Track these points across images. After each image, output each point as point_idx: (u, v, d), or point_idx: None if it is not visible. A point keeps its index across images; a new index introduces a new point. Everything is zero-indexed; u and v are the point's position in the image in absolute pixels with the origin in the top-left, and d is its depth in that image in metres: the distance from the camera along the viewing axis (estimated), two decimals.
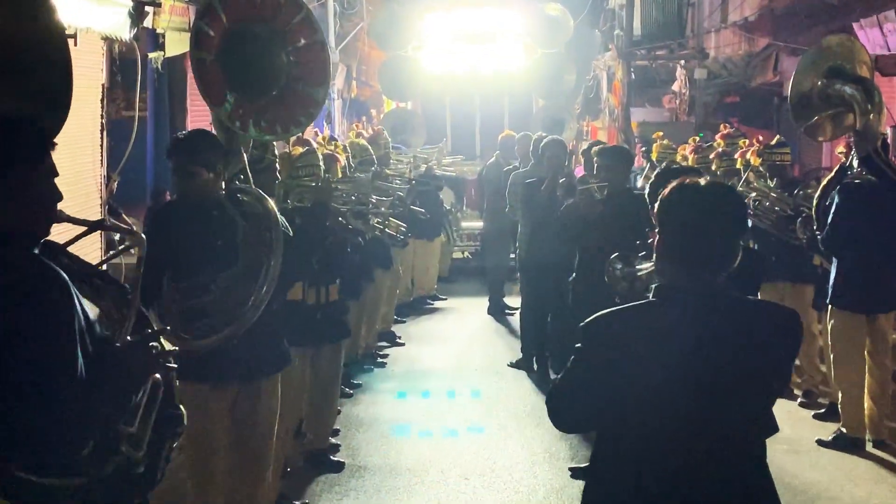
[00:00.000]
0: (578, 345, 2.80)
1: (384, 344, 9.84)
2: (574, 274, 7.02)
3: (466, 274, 13.73)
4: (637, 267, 4.59)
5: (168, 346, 2.94)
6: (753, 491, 2.77)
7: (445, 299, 12.52)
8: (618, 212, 6.51)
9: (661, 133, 11.19)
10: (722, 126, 10.38)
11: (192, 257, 4.54)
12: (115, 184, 11.16)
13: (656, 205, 2.86)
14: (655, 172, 6.31)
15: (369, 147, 9.16)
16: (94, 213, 10.15)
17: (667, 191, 2.82)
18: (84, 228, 3.12)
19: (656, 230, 2.84)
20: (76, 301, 2.67)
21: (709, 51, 19.65)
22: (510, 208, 9.38)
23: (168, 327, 4.31)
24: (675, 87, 21.09)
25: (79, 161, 9.96)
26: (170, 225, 4.68)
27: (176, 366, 2.93)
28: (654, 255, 2.87)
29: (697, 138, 10.37)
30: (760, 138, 9.05)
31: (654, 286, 2.83)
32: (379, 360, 9.31)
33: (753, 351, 2.72)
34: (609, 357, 2.72)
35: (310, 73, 4.78)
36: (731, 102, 20.56)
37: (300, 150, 6.27)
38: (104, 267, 3.34)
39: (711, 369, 2.68)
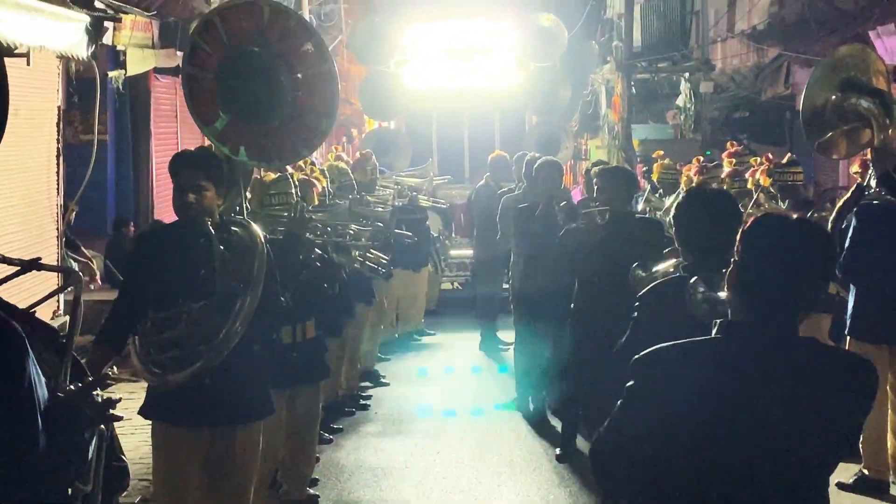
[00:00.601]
0: (630, 382, 2.75)
1: (367, 384, 9.80)
2: (573, 305, 7.02)
3: (456, 306, 13.68)
4: (657, 268, 4.69)
5: (105, 394, 2.90)
6: None
7: (434, 334, 12.49)
8: (621, 237, 6.52)
9: (661, 152, 11.25)
10: (728, 144, 10.45)
11: (172, 287, 4.62)
12: (73, 213, 11.15)
13: (739, 235, 2.81)
14: (686, 192, 6.33)
15: (349, 171, 9.17)
16: (51, 245, 10.13)
17: (751, 221, 2.81)
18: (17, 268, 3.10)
19: (732, 260, 2.82)
20: (31, 358, 2.63)
21: (715, 62, 19.76)
22: (501, 235, 9.38)
23: (142, 363, 4.56)
24: (680, 101, 21.19)
25: (33, 189, 9.96)
26: (155, 251, 4.77)
27: (121, 416, 2.90)
28: (726, 287, 2.83)
29: (702, 157, 10.41)
30: (770, 156, 9.09)
31: (718, 321, 2.79)
32: (361, 402, 9.27)
33: (820, 404, 2.68)
34: (665, 396, 2.68)
35: (316, 102, 4.98)
36: (739, 118, 20.66)
37: (272, 175, 6.27)
38: (38, 309, 3.32)
39: (772, 419, 2.65)
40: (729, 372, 2.68)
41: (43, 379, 2.63)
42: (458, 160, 15.22)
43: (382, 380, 10.11)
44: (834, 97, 7.07)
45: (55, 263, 10.17)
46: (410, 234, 8.98)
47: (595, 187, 7.16)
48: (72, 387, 2.83)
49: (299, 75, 4.98)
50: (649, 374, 2.73)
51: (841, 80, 7.09)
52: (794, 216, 2.86)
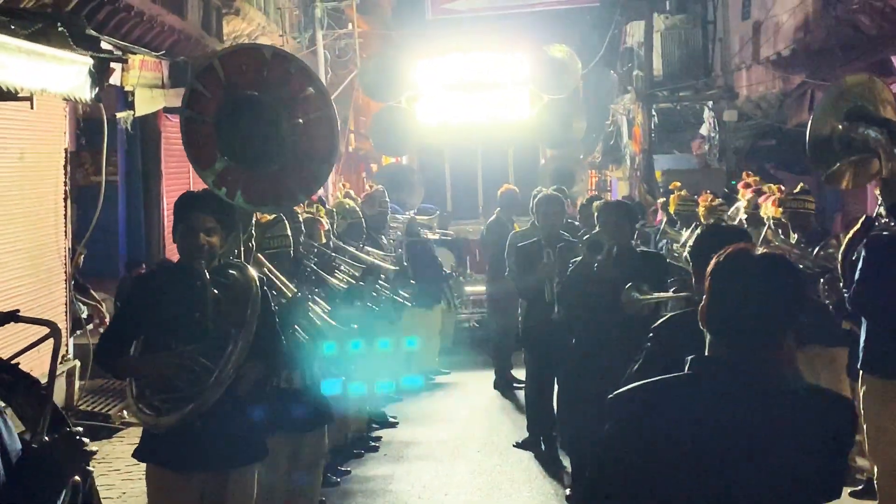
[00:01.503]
0: (607, 425, 2.81)
1: (376, 426, 9.91)
2: (574, 340, 7.14)
3: (472, 344, 13.81)
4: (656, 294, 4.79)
5: (91, 445, 3.01)
6: None
7: (448, 373, 12.59)
8: (624, 273, 6.62)
9: (678, 183, 11.33)
10: (745, 174, 10.53)
11: (166, 328, 4.77)
12: (82, 257, 11.36)
13: (708, 271, 2.89)
14: (700, 230, 6.44)
15: (357, 209, 9.32)
16: (58, 289, 10.33)
17: (719, 257, 2.88)
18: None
19: (704, 297, 2.91)
20: None
21: (739, 90, 19.84)
22: (509, 272, 9.50)
23: (136, 403, 4.72)
24: (704, 130, 21.26)
25: (40, 233, 10.17)
26: (152, 292, 4.90)
27: (92, 469, 3.00)
28: (700, 323, 2.90)
29: (708, 195, 10.48)
30: (782, 188, 9.15)
31: (690, 357, 2.85)
32: (371, 443, 9.38)
33: (794, 444, 2.72)
34: (640, 436, 2.74)
35: (315, 148, 5.11)
36: (766, 146, 20.64)
37: (268, 218, 6.41)
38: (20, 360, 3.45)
39: (745, 458, 2.69)
40: (700, 411, 2.73)
41: (14, 431, 2.75)
42: (472, 195, 15.37)
43: (392, 419, 10.21)
44: (840, 127, 7.14)
45: (65, 306, 10.41)
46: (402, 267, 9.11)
47: (596, 222, 7.27)
48: (47, 438, 2.93)
49: (300, 120, 5.09)
50: (624, 414, 2.80)
51: (847, 110, 7.15)
52: (763, 251, 2.94)
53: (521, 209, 11.22)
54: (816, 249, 7.99)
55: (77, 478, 2.96)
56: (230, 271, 4.89)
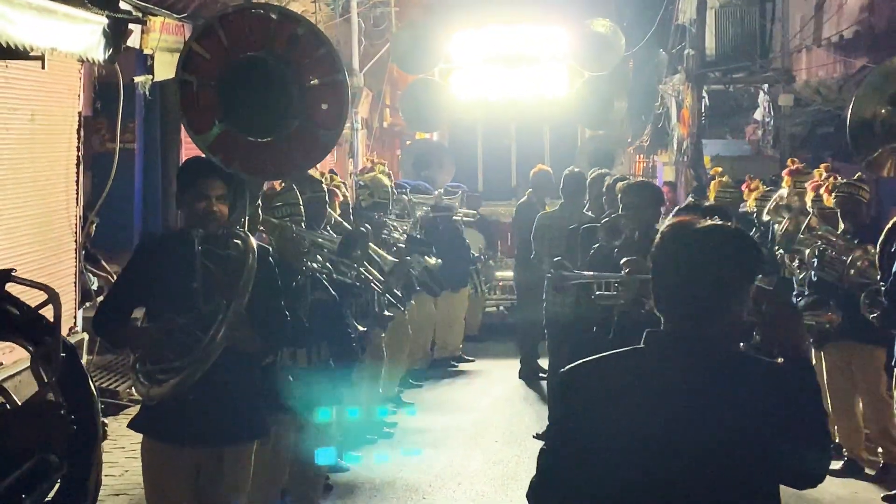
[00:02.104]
0: (560, 402, 2.96)
1: (392, 410, 10.04)
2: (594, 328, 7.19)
3: (499, 331, 13.90)
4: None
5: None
6: None
7: (473, 360, 12.69)
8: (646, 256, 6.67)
9: (719, 169, 11.31)
10: (790, 161, 10.50)
11: (163, 298, 4.88)
12: (94, 226, 11.52)
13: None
14: (675, 209, 6.48)
15: (389, 189, 9.40)
16: (68, 258, 10.48)
17: (663, 229, 3.01)
18: None
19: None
20: None
21: (796, 73, 19.69)
22: (535, 255, 9.55)
23: (134, 373, 4.85)
24: (758, 115, 21.14)
25: (50, 200, 10.30)
26: (150, 261, 5.03)
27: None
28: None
29: (754, 181, 10.45)
30: (837, 176, 9.01)
31: (647, 331, 2.97)
32: (385, 429, 9.49)
33: (742, 412, 2.81)
34: (590, 413, 2.86)
35: (323, 115, 5.09)
36: (823, 134, 20.48)
37: (278, 186, 6.51)
38: None
39: (695, 429, 2.80)
40: (649, 382, 2.84)
41: None
42: (505, 175, 15.38)
43: (407, 405, 10.35)
44: (884, 111, 7.14)
45: (74, 276, 10.57)
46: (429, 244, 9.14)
47: (620, 204, 7.30)
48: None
49: (308, 85, 5.05)
50: (574, 389, 2.92)
51: (892, 93, 7.16)
52: (708, 223, 3.01)
53: (554, 191, 11.25)
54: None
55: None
56: (234, 241, 4.92)
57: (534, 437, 9.28)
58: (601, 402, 2.86)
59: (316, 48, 5.13)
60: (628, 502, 2.86)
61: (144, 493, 5.22)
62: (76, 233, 10.69)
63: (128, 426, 5.12)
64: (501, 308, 14.62)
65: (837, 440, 8.15)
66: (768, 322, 2.98)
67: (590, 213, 8.46)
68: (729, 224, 3.11)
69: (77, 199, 10.74)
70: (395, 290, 8.03)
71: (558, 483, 2.97)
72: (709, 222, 3.01)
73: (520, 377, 11.80)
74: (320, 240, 6.90)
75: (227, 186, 4.92)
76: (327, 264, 6.94)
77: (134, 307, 5.00)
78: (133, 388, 6.28)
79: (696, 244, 2.92)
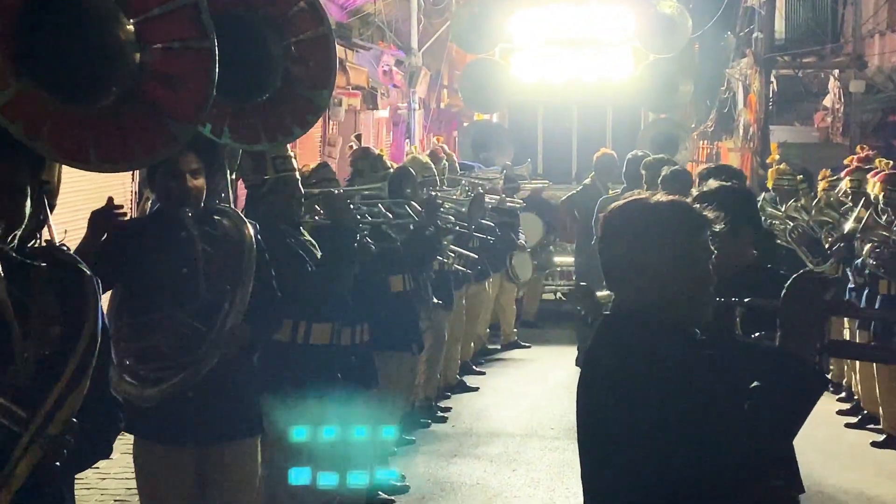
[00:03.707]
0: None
1: (448, 395, 10.16)
2: None
3: (558, 318, 13.96)
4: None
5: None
6: None
7: (529, 347, 12.75)
8: None
9: (776, 156, 11.26)
10: (859, 147, 10.43)
11: (149, 287, 4.52)
12: (149, 203, 11.67)
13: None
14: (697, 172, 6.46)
15: (432, 166, 9.45)
16: None
17: (613, 207, 3.10)
18: None
19: None
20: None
21: (869, 59, 19.53)
22: (596, 240, 9.54)
23: (118, 373, 4.31)
24: (828, 101, 20.96)
25: (106, 175, 10.50)
26: (129, 244, 4.55)
27: None
28: None
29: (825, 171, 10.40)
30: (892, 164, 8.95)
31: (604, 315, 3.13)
32: (439, 413, 9.58)
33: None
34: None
35: (310, 72, 4.59)
36: (894, 121, 20.33)
37: (311, 166, 6.52)
38: None
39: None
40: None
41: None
42: (566, 159, 15.37)
43: (468, 387, 10.49)
44: None
45: None
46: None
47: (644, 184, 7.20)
48: None
49: (291, 41, 4.54)
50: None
51: None
52: (660, 198, 3.07)
53: (619, 176, 11.24)
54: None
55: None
56: (216, 218, 4.64)
57: None
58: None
59: (296, 1, 4.59)
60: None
61: (140, 497, 4.92)
62: (132, 208, 10.86)
63: None
64: (559, 294, 14.66)
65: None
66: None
67: None
68: (678, 198, 3.15)
69: (133, 174, 10.91)
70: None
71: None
72: (663, 198, 3.06)
73: (576, 365, 11.81)
74: (366, 191, 6.84)
75: (202, 158, 4.51)
76: (385, 211, 6.85)
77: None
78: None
79: (646, 221, 2.99)
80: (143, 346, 4.48)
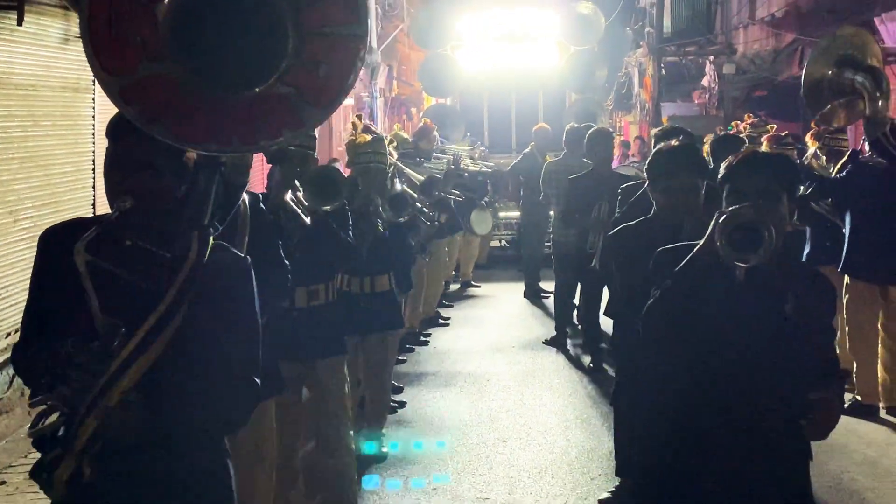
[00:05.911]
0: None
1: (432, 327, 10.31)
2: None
3: (503, 262, 14.16)
4: None
5: None
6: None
7: (479, 286, 12.91)
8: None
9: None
10: (746, 116, 10.66)
11: (108, 303, 2.52)
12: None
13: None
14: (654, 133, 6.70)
15: (409, 139, 9.54)
16: None
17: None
18: None
19: None
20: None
21: (737, 47, 19.83)
22: (544, 196, 9.70)
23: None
24: (705, 82, 21.27)
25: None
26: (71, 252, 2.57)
27: None
28: None
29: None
30: (781, 129, 9.21)
31: None
32: (422, 338, 9.73)
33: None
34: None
35: (317, 83, 2.56)
36: (758, 96, 20.67)
37: (367, 137, 6.08)
38: None
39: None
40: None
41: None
42: (507, 133, 15.53)
43: (442, 321, 10.59)
44: (831, 72, 7.26)
45: None
46: (459, 193, 9.28)
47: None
48: None
49: (312, 31, 2.48)
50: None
51: (838, 57, 7.28)
52: (678, 143, 3.40)
53: (553, 145, 11.41)
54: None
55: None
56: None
57: (543, 343, 9.53)
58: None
59: None
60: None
61: None
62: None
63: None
64: (504, 242, 14.83)
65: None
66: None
67: (588, 162, 8.45)
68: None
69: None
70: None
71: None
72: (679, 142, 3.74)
73: (524, 297, 12.03)
74: (407, 169, 6.81)
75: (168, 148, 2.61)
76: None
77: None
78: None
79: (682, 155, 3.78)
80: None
